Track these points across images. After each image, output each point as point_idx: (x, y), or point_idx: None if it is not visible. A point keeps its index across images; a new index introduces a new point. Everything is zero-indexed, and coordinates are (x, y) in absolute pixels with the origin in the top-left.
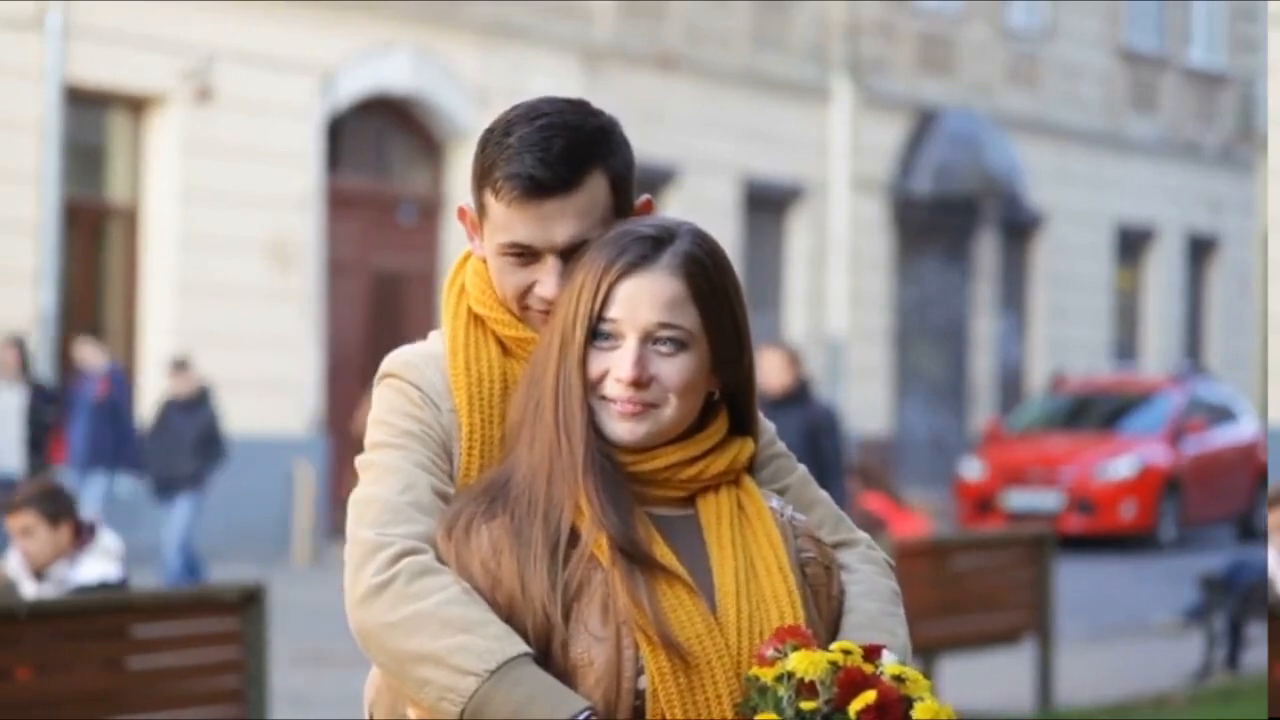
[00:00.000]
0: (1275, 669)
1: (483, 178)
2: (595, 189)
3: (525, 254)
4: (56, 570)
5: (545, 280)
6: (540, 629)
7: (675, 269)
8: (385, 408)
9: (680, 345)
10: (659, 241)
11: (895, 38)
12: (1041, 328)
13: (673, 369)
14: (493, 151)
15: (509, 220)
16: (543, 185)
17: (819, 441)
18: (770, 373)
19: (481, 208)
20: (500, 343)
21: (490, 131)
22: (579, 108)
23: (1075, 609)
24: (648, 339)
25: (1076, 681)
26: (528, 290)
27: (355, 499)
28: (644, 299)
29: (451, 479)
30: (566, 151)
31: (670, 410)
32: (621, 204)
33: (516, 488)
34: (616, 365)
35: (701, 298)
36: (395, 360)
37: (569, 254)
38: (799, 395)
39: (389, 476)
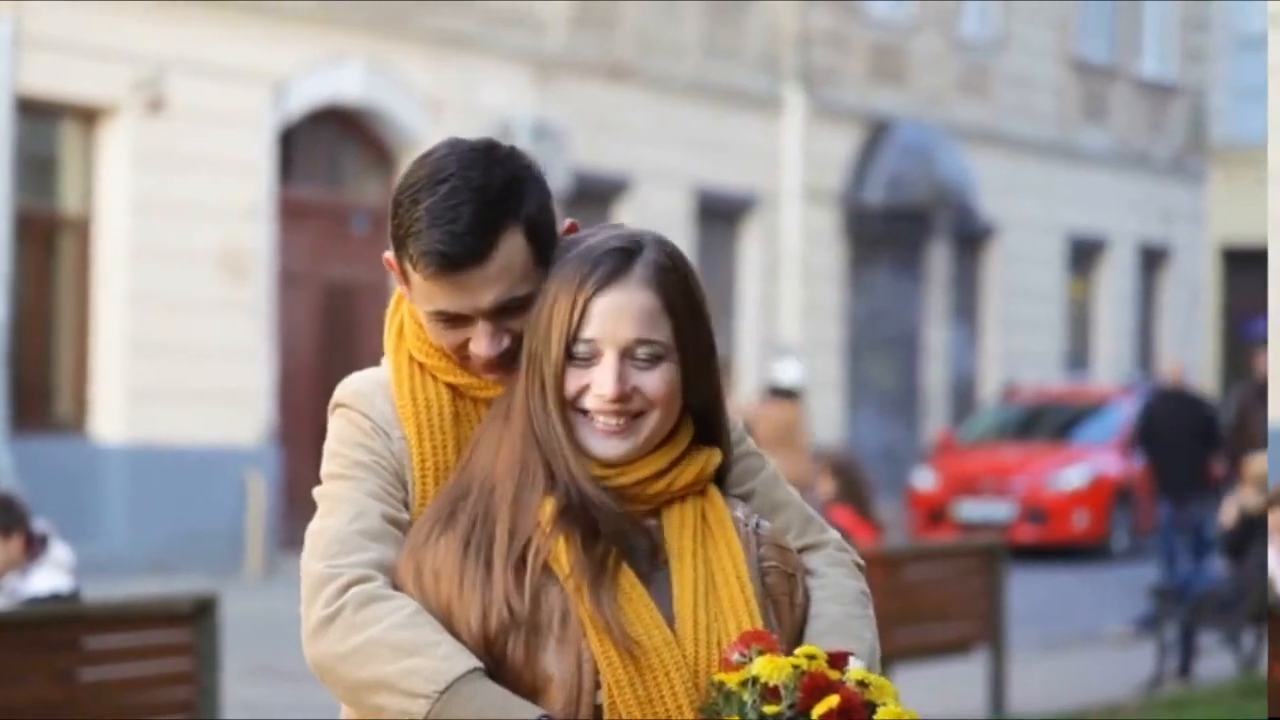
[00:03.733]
0: (1275, 669)
1: (399, 246)
2: (511, 249)
3: (454, 319)
4: (8, 582)
5: (478, 340)
6: (500, 627)
7: (648, 281)
8: (337, 439)
9: (657, 358)
10: (628, 253)
11: (847, 48)
12: (993, 338)
13: (652, 381)
14: (405, 220)
15: (430, 292)
16: (455, 261)
17: None
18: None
19: (403, 272)
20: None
21: (401, 193)
22: (484, 160)
23: (1027, 619)
24: (626, 354)
25: (1029, 692)
26: (464, 345)
27: (309, 532)
28: (621, 314)
29: (406, 506)
30: (475, 220)
31: (653, 420)
32: (542, 247)
33: (476, 495)
34: (597, 382)
35: (674, 310)
36: (346, 390)
37: (497, 314)
38: None
39: (340, 507)
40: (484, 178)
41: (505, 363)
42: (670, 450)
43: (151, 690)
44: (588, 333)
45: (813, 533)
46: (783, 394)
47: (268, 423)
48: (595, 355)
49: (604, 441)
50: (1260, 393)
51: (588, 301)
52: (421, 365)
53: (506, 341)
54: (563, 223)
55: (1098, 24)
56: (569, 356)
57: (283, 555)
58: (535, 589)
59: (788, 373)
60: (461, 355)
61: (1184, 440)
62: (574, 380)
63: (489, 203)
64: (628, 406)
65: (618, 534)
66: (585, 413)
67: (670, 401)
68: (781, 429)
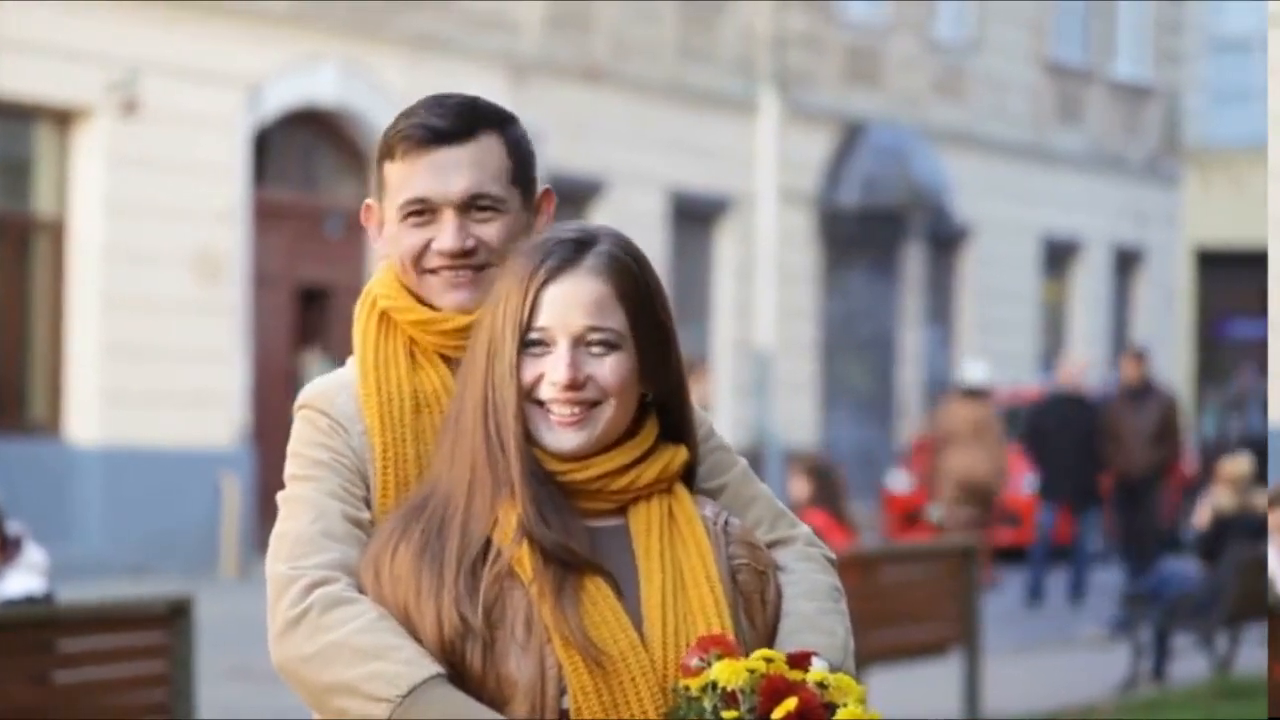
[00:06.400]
0: (1275, 669)
1: (383, 155)
2: (489, 146)
3: (424, 211)
4: None
5: (443, 234)
6: (455, 634)
7: (600, 270)
8: (297, 440)
9: (611, 346)
10: (581, 244)
11: (822, 50)
12: (968, 340)
13: (606, 369)
14: (392, 126)
15: (406, 175)
16: (437, 133)
17: None
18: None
19: (382, 184)
20: (410, 354)
21: (398, 114)
22: (484, 100)
23: (1002, 621)
24: (579, 342)
25: (1004, 694)
26: (424, 250)
27: (273, 535)
28: (572, 302)
29: (367, 503)
30: (461, 108)
31: (609, 410)
32: (519, 168)
33: (433, 503)
34: (551, 370)
35: (627, 298)
36: (308, 390)
37: (466, 209)
38: None
39: (300, 509)
40: (477, 100)
41: (467, 275)
42: (634, 447)
43: (127, 692)
44: (540, 321)
45: (783, 528)
46: (973, 393)
47: (242, 425)
48: (549, 344)
49: (559, 433)
50: (1130, 396)
51: (539, 290)
52: (388, 332)
53: (470, 243)
54: (542, 186)
55: (1072, 26)
56: (524, 346)
57: (257, 557)
58: (494, 595)
59: (976, 372)
60: (420, 266)
61: (1070, 446)
62: (529, 370)
63: (477, 106)
64: (582, 395)
65: (569, 533)
66: (541, 404)
67: (626, 391)
68: (973, 426)
